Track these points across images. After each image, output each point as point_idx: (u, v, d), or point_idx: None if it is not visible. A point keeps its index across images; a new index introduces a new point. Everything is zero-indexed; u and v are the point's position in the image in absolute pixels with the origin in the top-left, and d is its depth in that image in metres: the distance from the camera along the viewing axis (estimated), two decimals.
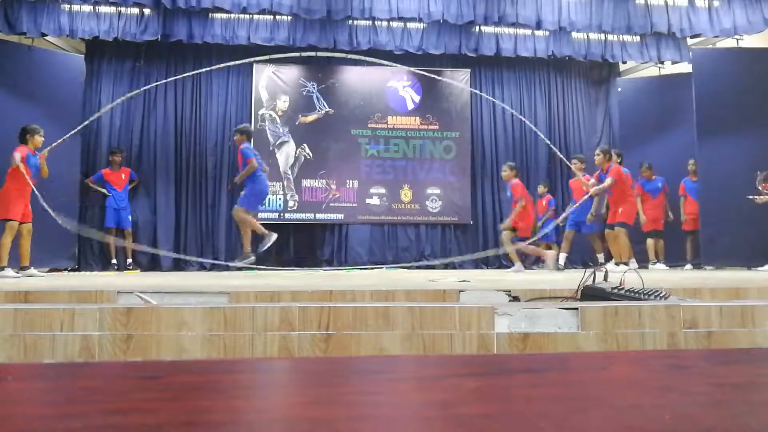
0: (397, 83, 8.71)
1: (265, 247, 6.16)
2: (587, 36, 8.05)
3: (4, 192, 5.49)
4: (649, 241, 7.85)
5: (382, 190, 8.53)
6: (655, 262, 7.52)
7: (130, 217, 7.80)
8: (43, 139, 5.72)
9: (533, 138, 8.93)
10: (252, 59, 7.25)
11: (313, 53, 7.02)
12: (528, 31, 7.94)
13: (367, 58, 7.06)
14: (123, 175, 7.84)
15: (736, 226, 6.79)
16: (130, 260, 7.81)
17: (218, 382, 0.61)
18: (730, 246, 6.87)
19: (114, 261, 7.73)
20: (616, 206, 6.70)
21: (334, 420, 0.46)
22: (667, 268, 7.44)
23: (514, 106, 8.97)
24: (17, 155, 5.48)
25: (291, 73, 8.54)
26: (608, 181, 6.51)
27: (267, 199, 7.58)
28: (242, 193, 6.23)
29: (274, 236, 6.18)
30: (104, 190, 7.73)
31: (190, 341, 1.93)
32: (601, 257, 7.30)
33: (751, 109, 6.97)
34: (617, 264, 6.35)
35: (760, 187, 6.38)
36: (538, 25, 7.29)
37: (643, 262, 7.39)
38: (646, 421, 0.45)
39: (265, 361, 1.29)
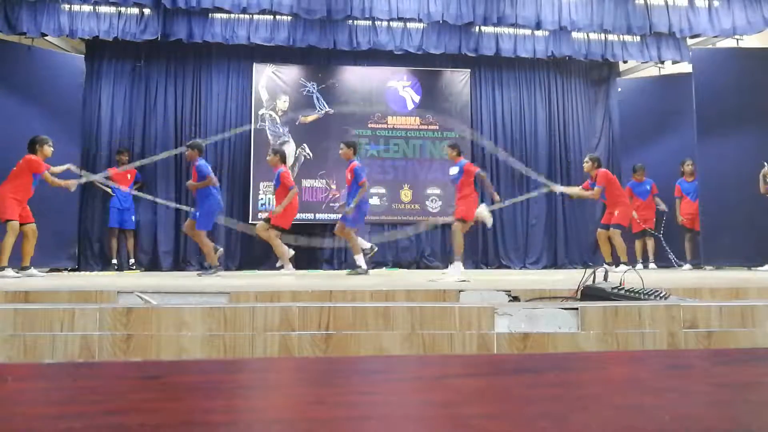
0: (397, 83, 8.71)
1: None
2: (587, 36, 8.05)
3: (2, 193, 5.48)
4: (638, 243, 7.90)
5: (382, 190, 8.53)
6: (644, 264, 7.65)
7: (133, 218, 7.80)
8: (52, 149, 5.71)
9: (533, 139, 8.94)
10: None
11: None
12: (528, 31, 7.95)
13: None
14: (129, 176, 7.84)
15: (736, 226, 6.79)
16: (132, 260, 7.82)
17: (218, 382, 0.61)
18: (730, 246, 6.86)
19: (114, 261, 7.73)
20: (612, 208, 6.84)
21: (334, 420, 0.46)
22: (657, 268, 7.53)
23: (513, 106, 8.98)
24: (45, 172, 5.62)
25: (291, 73, 8.53)
26: (597, 190, 6.66)
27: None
28: (197, 213, 6.08)
29: (220, 250, 6.34)
30: (109, 190, 7.73)
31: (190, 341, 1.93)
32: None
33: (751, 109, 6.98)
34: (609, 265, 6.40)
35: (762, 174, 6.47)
36: (538, 26, 7.29)
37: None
38: (646, 421, 0.45)
39: (265, 361, 1.29)
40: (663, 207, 7.90)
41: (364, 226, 7.25)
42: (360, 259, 6.22)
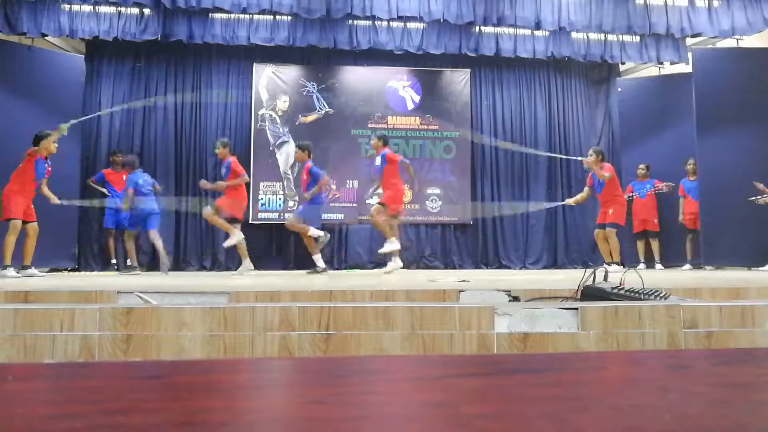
0: (397, 83, 8.71)
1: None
2: (587, 36, 8.05)
3: (7, 191, 5.52)
4: (639, 243, 7.90)
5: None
6: (646, 264, 7.66)
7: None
8: (56, 145, 5.77)
9: (533, 138, 8.94)
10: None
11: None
12: (528, 32, 7.95)
13: None
14: (124, 177, 7.83)
15: (736, 226, 6.79)
16: (130, 261, 7.80)
17: (218, 382, 0.61)
18: (730, 246, 6.86)
19: (114, 261, 7.72)
20: (606, 207, 6.80)
21: (334, 420, 0.46)
22: (663, 268, 7.53)
23: (513, 106, 8.98)
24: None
25: (291, 73, 8.53)
26: (607, 174, 6.63)
27: (267, 199, 7.78)
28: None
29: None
30: (105, 190, 7.73)
31: (190, 341, 1.93)
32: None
33: (750, 109, 6.97)
34: (608, 264, 6.41)
35: (759, 187, 6.45)
36: (538, 26, 7.30)
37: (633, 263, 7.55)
38: (646, 421, 0.45)
39: (265, 361, 1.29)
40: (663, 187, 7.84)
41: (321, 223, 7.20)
42: (319, 260, 6.33)
